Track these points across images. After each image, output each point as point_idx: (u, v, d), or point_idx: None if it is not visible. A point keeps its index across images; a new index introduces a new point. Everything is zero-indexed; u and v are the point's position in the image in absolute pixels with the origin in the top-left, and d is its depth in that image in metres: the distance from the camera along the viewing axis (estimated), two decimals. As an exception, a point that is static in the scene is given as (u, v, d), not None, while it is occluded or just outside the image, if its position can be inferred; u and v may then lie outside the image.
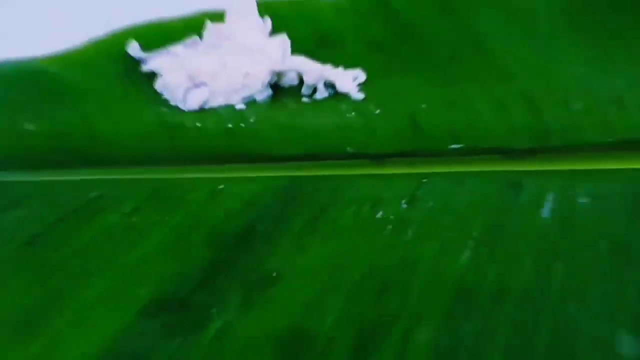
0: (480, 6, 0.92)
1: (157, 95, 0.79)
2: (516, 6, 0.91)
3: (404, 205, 0.67)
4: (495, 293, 0.58)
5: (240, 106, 0.77)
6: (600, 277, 0.61)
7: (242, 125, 0.75)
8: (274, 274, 0.61)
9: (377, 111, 0.76)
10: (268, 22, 0.85)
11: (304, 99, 0.80)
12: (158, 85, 0.79)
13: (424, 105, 0.76)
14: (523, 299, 0.57)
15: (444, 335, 0.55)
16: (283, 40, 0.82)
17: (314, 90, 0.80)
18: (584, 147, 0.71)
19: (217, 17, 0.85)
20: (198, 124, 0.76)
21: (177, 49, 0.81)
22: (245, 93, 0.78)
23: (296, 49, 0.82)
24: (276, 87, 0.82)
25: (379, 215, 0.66)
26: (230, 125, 0.74)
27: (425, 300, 0.57)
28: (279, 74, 0.80)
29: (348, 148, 0.72)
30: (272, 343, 0.55)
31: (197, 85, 0.77)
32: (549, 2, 0.93)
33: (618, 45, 0.81)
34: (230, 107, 0.77)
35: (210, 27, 0.82)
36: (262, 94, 0.79)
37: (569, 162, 0.70)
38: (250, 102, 0.79)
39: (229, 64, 0.78)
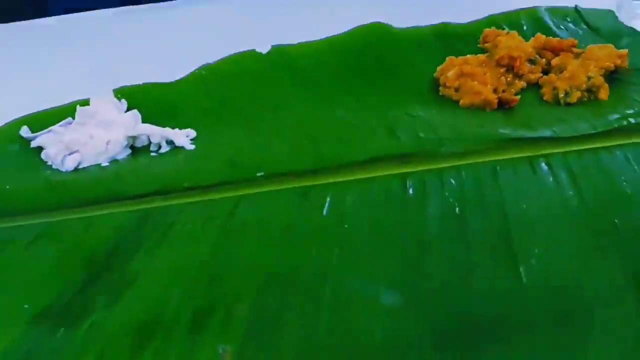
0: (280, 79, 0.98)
1: (44, 163, 0.79)
2: (303, 77, 0.97)
3: (225, 219, 0.69)
4: (290, 276, 0.61)
5: (105, 164, 0.78)
6: (367, 251, 0.65)
7: (107, 176, 0.76)
8: (133, 279, 0.63)
9: (204, 156, 0.79)
10: (124, 102, 0.87)
11: (152, 154, 0.82)
12: (43, 155, 0.81)
13: (238, 148, 0.80)
14: (314, 275, 0.60)
15: (256, 308, 0.58)
16: (134, 114, 0.85)
17: (159, 147, 0.83)
18: (347, 164, 0.74)
19: (85, 103, 0.86)
20: (74, 178, 0.76)
21: (56, 127, 0.82)
22: (109, 155, 0.80)
23: (145, 119, 0.85)
24: (133, 147, 0.83)
25: (208, 228, 0.68)
26: (99, 178, 0.76)
27: (243, 284, 0.61)
28: (134, 138, 0.82)
29: (185, 184, 0.75)
30: (131, 330, 0.57)
31: (71, 153, 0.78)
32: (326, 69, 1.00)
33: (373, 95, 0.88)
34: (98, 166, 0.78)
35: (79, 109, 0.84)
36: (123, 154, 0.82)
37: (339, 176, 0.75)
38: (114, 161, 0.81)
39: (95, 134, 0.80)
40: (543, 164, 0.78)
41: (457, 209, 0.72)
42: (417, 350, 0.56)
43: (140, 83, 0.99)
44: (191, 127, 0.90)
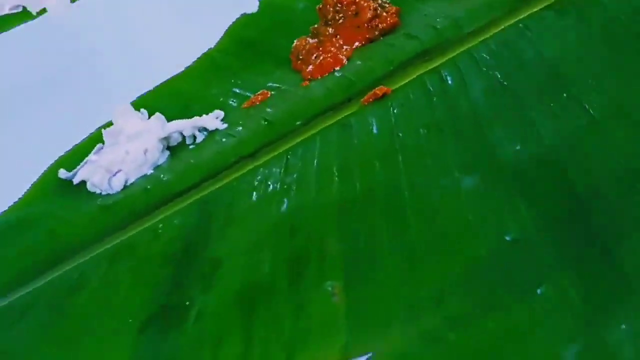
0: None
1: (92, 194, 0.78)
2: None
3: (279, 177, 0.67)
4: (364, 199, 0.59)
5: (150, 172, 0.77)
6: (429, 148, 0.61)
7: (154, 182, 0.74)
8: (218, 261, 0.61)
9: (240, 129, 0.76)
10: (144, 112, 0.85)
11: (190, 147, 0.80)
12: (89, 186, 0.79)
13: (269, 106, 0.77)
14: (387, 189, 0.57)
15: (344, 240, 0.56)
16: (158, 117, 0.83)
17: (194, 138, 0.81)
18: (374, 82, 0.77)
19: (108, 125, 0.84)
20: (125, 196, 0.74)
21: (90, 157, 0.80)
22: (150, 162, 0.79)
23: (170, 118, 0.82)
24: (170, 148, 0.81)
25: (265, 192, 0.66)
26: (148, 187, 0.74)
27: (322, 225, 0.59)
28: (167, 139, 0.81)
29: (231, 159, 0.73)
30: (236, 303, 0.55)
31: (114, 174, 0.77)
32: None
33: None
34: (144, 176, 0.77)
35: (105, 132, 0.82)
36: (162, 158, 0.80)
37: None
38: (157, 167, 0.78)
39: (130, 149, 0.78)
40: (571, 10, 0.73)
41: (499, 76, 0.69)
42: (514, 218, 0.54)
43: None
44: (217, 108, 0.88)
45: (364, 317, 0.54)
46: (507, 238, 0.54)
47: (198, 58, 1.00)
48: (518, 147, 0.61)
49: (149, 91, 0.97)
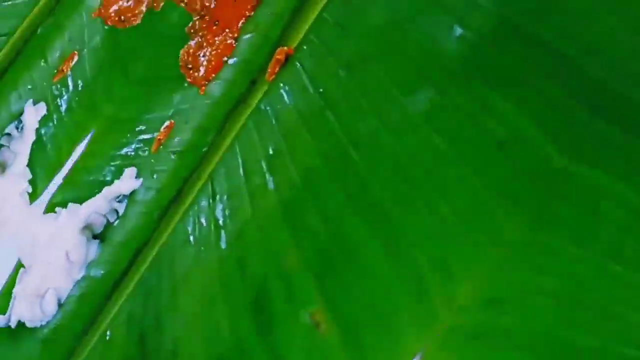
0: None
1: (32, 330, 0.62)
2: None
3: None
4: None
5: (81, 275, 0.61)
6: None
7: (90, 285, 0.58)
8: None
9: (155, 176, 0.60)
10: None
11: (115, 224, 0.64)
12: (27, 324, 0.64)
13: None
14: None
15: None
16: (69, 209, 0.67)
17: (117, 212, 0.65)
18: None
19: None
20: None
21: (16, 289, 0.65)
22: (78, 264, 0.63)
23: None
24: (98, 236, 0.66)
25: None
26: (83, 293, 0.58)
27: None
28: (88, 228, 0.65)
29: (157, 213, 0.56)
30: None
31: (43, 297, 0.61)
32: None
33: None
34: (77, 282, 0.61)
35: (20, 253, 0.66)
36: (92, 251, 0.65)
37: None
38: (88, 264, 0.62)
39: (50, 260, 0.63)
40: None
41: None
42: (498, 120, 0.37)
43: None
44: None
45: (367, 336, 0.37)
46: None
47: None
48: (460, 31, 0.44)
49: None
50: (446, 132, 0.41)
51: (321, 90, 0.52)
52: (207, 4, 0.72)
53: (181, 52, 0.74)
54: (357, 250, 0.41)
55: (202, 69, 0.70)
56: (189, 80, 0.72)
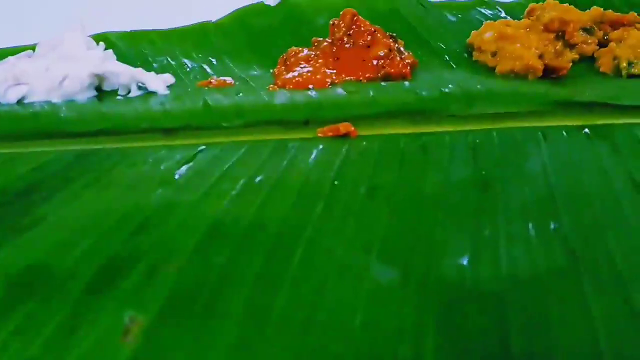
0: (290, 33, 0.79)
1: None
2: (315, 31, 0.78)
3: (177, 166, 0.50)
4: (251, 229, 0.42)
5: (55, 100, 0.61)
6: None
7: (50, 112, 0.58)
8: (36, 222, 0.44)
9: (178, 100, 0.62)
10: (101, 44, 0.70)
11: (119, 97, 0.64)
12: None
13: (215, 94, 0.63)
14: (280, 233, 0.42)
15: (191, 267, 0.39)
16: (106, 52, 0.68)
17: (129, 91, 0.65)
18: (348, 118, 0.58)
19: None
20: (11, 110, 0.59)
21: (12, 58, 0.65)
22: (65, 92, 0.63)
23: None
24: (101, 90, 0.66)
25: (155, 173, 0.50)
26: (40, 113, 0.58)
27: (178, 238, 0.41)
28: (101, 79, 0.65)
29: (143, 125, 0.57)
30: (4, 279, 0.38)
31: (18, 84, 0.61)
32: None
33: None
34: (47, 102, 0.61)
35: (41, 42, 0.67)
36: (84, 94, 0.64)
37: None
38: (70, 101, 0.63)
39: (51, 68, 0.63)
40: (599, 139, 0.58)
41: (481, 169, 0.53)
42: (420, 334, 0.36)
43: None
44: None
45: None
46: None
47: (191, 24, 0.87)
48: (464, 262, 0.44)
49: (119, 32, 0.83)
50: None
51: (336, 182, 0.53)
52: (345, 40, 0.73)
53: (291, 48, 0.76)
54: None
55: (290, 74, 0.71)
56: (276, 72, 0.74)
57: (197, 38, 0.83)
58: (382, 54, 0.72)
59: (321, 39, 0.75)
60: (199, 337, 0.38)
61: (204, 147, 0.59)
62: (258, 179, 0.53)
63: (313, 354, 0.38)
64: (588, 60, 0.76)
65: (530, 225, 0.46)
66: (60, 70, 0.69)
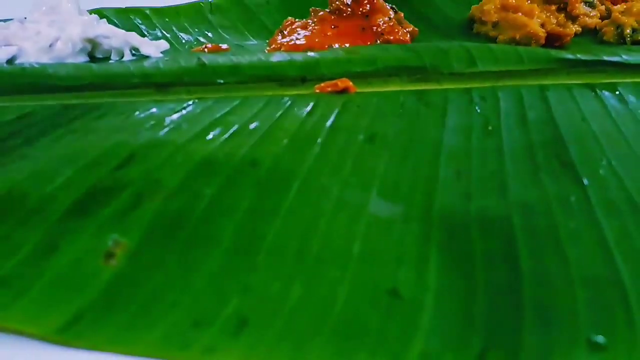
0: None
1: None
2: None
3: (167, 117, 0.48)
4: (243, 165, 0.40)
5: (44, 61, 0.59)
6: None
7: (39, 70, 0.56)
8: (21, 157, 0.41)
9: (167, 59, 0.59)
10: (94, 16, 0.68)
11: (111, 62, 0.62)
12: None
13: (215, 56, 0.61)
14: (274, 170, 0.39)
15: (178, 197, 0.36)
16: (97, 18, 0.66)
17: (122, 55, 0.63)
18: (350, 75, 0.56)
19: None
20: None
21: (1, 23, 0.63)
22: (55, 54, 0.61)
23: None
24: (93, 57, 0.64)
25: (144, 120, 0.47)
26: (27, 68, 0.55)
27: (165, 171, 0.39)
28: (93, 44, 0.63)
29: (134, 80, 0.54)
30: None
31: (7, 45, 0.59)
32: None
33: None
34: (37, 63, 0.58)
35: (34, 6, 0.65)
36: (75, 58, 0.61)
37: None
38: (60, 63, 0.60)
39: (42, 32, 0.61)
40: (606, 92, 0.56)
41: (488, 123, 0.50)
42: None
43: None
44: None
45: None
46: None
47: (187, 2, 0.85)
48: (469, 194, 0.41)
49: (114, 7, 0.82)
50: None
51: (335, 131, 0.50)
52: (343, 9, 0.71)
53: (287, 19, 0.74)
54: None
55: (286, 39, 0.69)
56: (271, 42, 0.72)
57: (193, 14, 0.82)
58: (381, 22, 0.70)
59: (319, 8, 0.73)
60: (184, 262, 0.35)
61: (197, 100, 0.56)
62: (252, 126, 0.50)
63: (307, 280, 0.35)
64: (590, 34, 0.74)
65: (537, 160, 0.43)
66: (52, 33, 0.67)
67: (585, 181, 0.40)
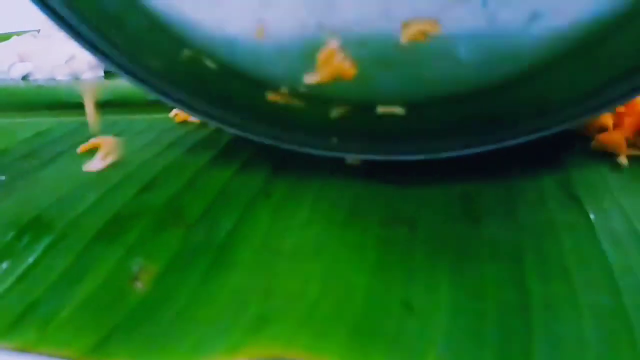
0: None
1: None
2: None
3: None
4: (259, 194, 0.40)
5: (60, 78, 0.59)
6: None
7: (54, 87, 0.57)
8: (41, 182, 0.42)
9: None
10: None
11: None
12: None
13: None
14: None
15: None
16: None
17: None
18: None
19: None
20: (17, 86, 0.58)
21: (15, 38, 0.63)
22: (70, 71, 0.61)
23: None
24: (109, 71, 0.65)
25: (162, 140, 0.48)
26: (39, 85, 0.56)
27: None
28: None
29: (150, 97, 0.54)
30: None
31: (22, 61, 0.60)
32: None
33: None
34: (52, 80, 0.59)
35: (45, 23, 0.65)
36: (90, 74, 0.62)
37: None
38: (74, 79, 0.61)
39: (58, 48, 0.61)
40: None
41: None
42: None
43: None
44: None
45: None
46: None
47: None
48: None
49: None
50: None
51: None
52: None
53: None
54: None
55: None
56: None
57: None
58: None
59: None
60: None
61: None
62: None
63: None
64: None
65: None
66: (67, 48, 0.68)
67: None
